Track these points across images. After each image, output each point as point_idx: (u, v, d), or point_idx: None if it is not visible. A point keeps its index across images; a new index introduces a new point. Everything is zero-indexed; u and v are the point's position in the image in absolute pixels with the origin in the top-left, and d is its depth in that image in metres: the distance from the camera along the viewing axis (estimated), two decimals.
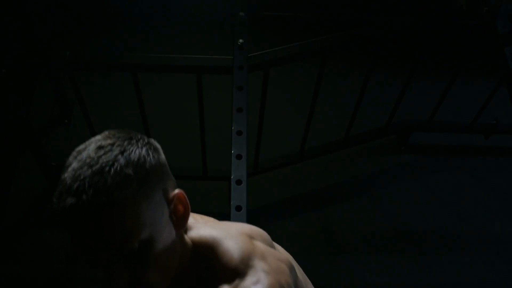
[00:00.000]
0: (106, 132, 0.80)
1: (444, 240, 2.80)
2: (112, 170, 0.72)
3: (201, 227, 0.94)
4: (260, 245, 0.92)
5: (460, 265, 2.70)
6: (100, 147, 0.75)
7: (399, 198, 2.90)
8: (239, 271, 0.84)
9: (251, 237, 0.93)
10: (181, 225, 0.85)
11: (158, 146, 0.85)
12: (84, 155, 0.75)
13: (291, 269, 0.92)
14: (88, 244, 0.73)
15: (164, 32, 3.25)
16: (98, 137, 0.79)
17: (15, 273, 2.54)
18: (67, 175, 0.73)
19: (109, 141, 0.76)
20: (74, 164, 0.74)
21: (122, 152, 0.75)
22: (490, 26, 2.50)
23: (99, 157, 0.73)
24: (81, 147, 0.78)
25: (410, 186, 2.97)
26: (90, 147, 0.76)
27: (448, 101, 2.80)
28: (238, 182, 1.89)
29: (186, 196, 0.85)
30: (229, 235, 0.91)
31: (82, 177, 0.72)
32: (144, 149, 0.78)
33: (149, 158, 0.78)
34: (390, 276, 2.63)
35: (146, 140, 0.81)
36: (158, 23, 3.29)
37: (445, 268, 2.69)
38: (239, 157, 1.96)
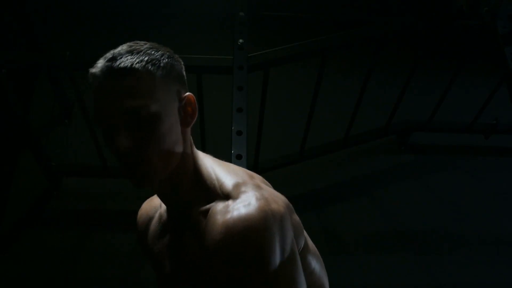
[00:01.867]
0: None
1: (444, 240, 2.79)
2: (142, 52, 0.92)
3: (207, 158, 1.06)
4: (257, 181, 1.00)
5: (460, 265, 2.70)
6: (136, 43, 0.96)
7: (399, 198, 2.90)
8: (233, 194, 0.94)
9: (251, 176, 1.03)
10: (186, 123, 0.99)
11: (182, 63, 1.01)
12: (120, 46, 0.95)
13: (287, 205, 0.97)
14: (109, 102, 0.89)
15: (164, 32, 3.25)
16: None
17: (15, 273, 2.54)
18: (105, 54, 0.93)
19: (142, 42, 0.97)
20: (112, 50, 0.94)
21: (151, 48, 0.95)
22: (490, 26, 2.50)
23: (132, 45, 0.94)
24: None
25: (410, 186, 2.97)
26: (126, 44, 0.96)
27: (448, 101, 2.80)
28: None
29: (195, 101, 1.00)
30: (229, 168, 1.03)
31: (116, 51, 0.92)
32: (169, 53, 0.97)
33: (172, 59, 0.97)
34: (390, 276, 2.63)
35: (173, 53, 0.99)
36: (158, 23, 3.29)
37: (445, 268, 2.69)
38: (239, 157, 1.97)
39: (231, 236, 0.86)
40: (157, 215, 1.15)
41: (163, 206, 1.12)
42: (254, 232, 0.86)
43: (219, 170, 1.01)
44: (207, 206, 0.96)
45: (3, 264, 2.55)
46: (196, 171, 1.01)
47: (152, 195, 1.26)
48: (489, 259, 2.73)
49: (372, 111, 2.99)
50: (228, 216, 0.89)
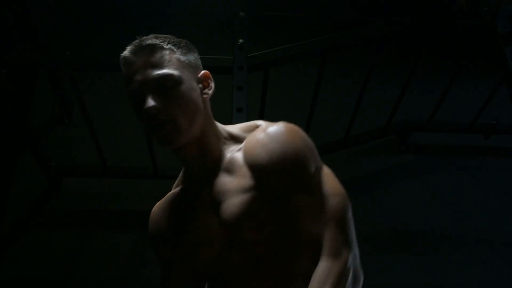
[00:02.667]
0: None
1: (444, 240, 2.80)
2: (164, 37, 1.13)
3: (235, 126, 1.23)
4: None
5: (460, 265, 2.70)
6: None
7: (399, 198, 2.90)
8: (262, 124, 1.14)
9: None
10: (205, 94, 1.16)
11: (197, 52, 1.18)
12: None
13: None
14: (139, 73, 1.07)
15: (164, 32, 3.23)
16: None
17: (15, 273, 2.54)
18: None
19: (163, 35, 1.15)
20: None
21: (172, 37, 1.14)
22: (490, 26, 2.50)
23: (156, 34, 1.13)
24: None
25: (410, 186, 2.97)
26: None
27: (448, 101, 2.80)
28: None
29: (211, 77, 1.18)
30: None
31: (143, 38, 1.12)
32: (186, 42, 1.16)
33: (190, 45, 1.16)
34: (390, 276, 2.63)
35: (190, 43, 1.18)
36: (158, 23, 3.28)
37: (445, 268, 2.69)
38: None
39: (277, 135, 1.06)
40: (176, 198, 1.21)
41: (180, 187, 1.22)
42: (295, 132, 1.08)
43: (241, 124, 1.21)
44: (241, 144, 1.12)
45: (3, 264, 2.55)
46: (223, 128, 1.19)
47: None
48: (489, 259, 2.74)
49: (372, 111, 2.98)
50: (269, 128, 1.09)
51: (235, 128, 1.19)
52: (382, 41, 2.38)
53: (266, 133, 1.08)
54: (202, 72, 1.17)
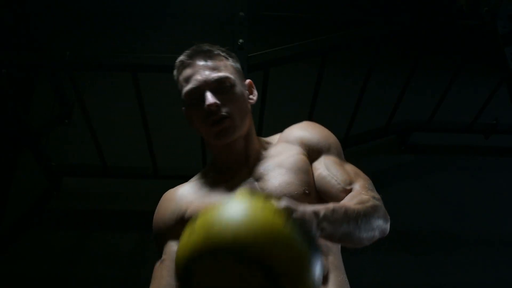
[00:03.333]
0: None
1: (444, 240, 2.79)
2: (217, 47, 1.30)
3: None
4: None
5: (460, 265, 2.70)
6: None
7: (399, 198, 2.90)
8: None
9: None
10: (250, 99, 1.32)
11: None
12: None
13: None
14: (200, 75, 1.22)
15: (164, 32, 3.24)
16: None
17: (15, 273, 2.54)
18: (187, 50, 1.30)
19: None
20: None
21: (222, 48, 1.31)
22: (490, 26, 2.50)
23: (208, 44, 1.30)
24: None
25: (410, 186, 2.97)
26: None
27: (448, 101, 2.80)
28: None
29: (254, 85, 1.36)
30: None
31: (199, 45, 1.28)
32: (233, 54, 1.33)
33: (237, 57, 1.33)
34: (390, 276, 2.63)
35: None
36: (158, 23, 3.29)
37: (445, 268, 2.69)
38: None
39: (311, 123, 1.34)
40: (201, 182, 1.31)
41: (204, 178, 1.33)
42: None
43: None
44: (275, 142, 1.33)
45: (3, 264, 2.55)
46: (259, 136, 1.36)
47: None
48: (489, 259, 2.74)
49: (372, 111, 2.98)
50: (302, 122, 1.34)
51: (267, 138, 1.38)
52: (382, 41, 2.38)
53: (301, 123, 1.34)
54: (248, 80, 1.34)
